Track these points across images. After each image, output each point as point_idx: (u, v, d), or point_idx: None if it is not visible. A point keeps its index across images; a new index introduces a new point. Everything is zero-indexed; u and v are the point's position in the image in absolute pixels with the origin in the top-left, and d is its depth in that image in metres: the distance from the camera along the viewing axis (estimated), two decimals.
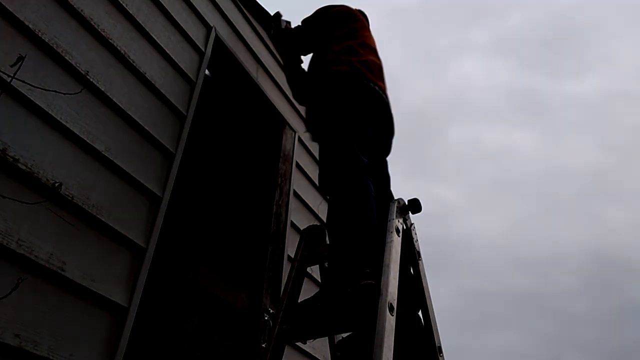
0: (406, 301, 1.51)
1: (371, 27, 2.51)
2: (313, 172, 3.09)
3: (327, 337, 1.81)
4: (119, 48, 1.72)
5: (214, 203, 2.80)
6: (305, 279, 1.76)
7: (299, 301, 1.59)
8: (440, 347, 1.52)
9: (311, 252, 1.71)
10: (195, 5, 2.24)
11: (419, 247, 1.69)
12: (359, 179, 1.64)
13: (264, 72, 2.82)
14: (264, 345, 2.09)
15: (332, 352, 1.75)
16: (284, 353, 1.46)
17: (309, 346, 2.43)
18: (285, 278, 2.17)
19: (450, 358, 1.55)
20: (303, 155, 3.08)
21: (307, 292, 1.73)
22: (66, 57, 1.50)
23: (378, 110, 1.97)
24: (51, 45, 1.46)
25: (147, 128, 1.76)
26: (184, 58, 2.09)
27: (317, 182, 3.03)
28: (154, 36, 1.92)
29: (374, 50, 2.24)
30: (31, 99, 1.35)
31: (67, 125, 1.45)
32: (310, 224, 2.05)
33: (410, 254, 1.65)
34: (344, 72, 1.96)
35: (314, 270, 2.39)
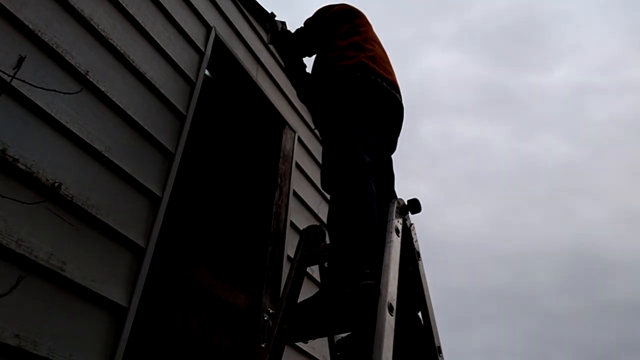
0: (406, 301, 1.51)
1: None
2: (313, 172, 3.09)
3: (326, 337, 1.81)
4: (118, 48, 1.72)
5: (213, 203, 2.80)
6: (305, 279, 1.76)
7: (299, 301, 1.59)
8: (439, 347, 1.52)
9: (311, 252, 1.71)
10: (195, 5, 2.24)
11: (418, 248, 1.69)
12: (360, 178, 1.64)
13: (264, 72, 2.82)
14: (263, 345, 2.09)
15: (331, 352, 1.75)
16: (284, 353, 1.46)
17: (308, 346, 2.43)
18: (285, 278, 2.18)
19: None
20: (303, 155, 3.08)
21: (306, 292, 1.73)
22: (66, 57, 1.50)
23: (385, 106, 1.95)
24: (51, 45, 1.46)
25: (146, 128, 1.76)
26: (184, 58, 2.09)
27: (317, 182, 3.05)
28: (153, 36, 1.92)
29: (379, 45, 2.23)
30: (31, 98, 1.35)
31: (67, 125, 1.45)
32: (310, 224, 2.05)
33: (410, 254, 1.65)
34: (349, 67, 1.93)
35: (314, 270, 2.39)
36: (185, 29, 2.12)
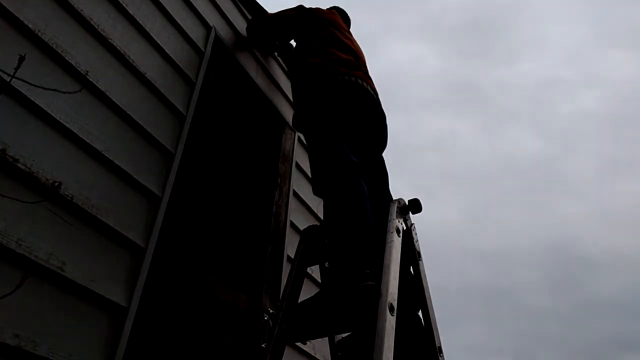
0: (406, 301, 1.51)
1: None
2: None
3: (327, 337, 1.81)
4: (118, 48, 1.72)
5: (213, 203, 2.79)
6: (305, 279, 1.76)
7: (299, 301, 1.58)
8: (440, 347, 1.52)
9: (311, 252, 1.71)
10: (195, 5, 2.24)
11: (419, 248, 1.69)
12: (351, 180, 1.64)
13: (264, 72, 2.82)
14: (263, 346, 2.09)
15: (332, 352, 1.75)
16: (284, 353, 1.46)
17: (309, 346, 2.43)
18: (285, 278, 2.17)
19: None
20: (303, 155, 3.07)
21: (307, 292, 1.73)
22: (66, 57, 1.50)
23: (360, 102, 1.97)
24: (51, 45, 1.46)
25: (146, 128, 1.76)
26: (184, 58, 2.09)
27: None
28: (153, 36, 1.91)
29: (346, 46, 2.26)
30: (31, 98, 1.35)
31: (67, 124, 1.44)
32: (310, 224, 2.05)
33: (411, 254, 1.65)
34: (317, 76, 1.98)
35: (314, 271, 2.39)
36: (185, 29, 2.12)
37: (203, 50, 2.23)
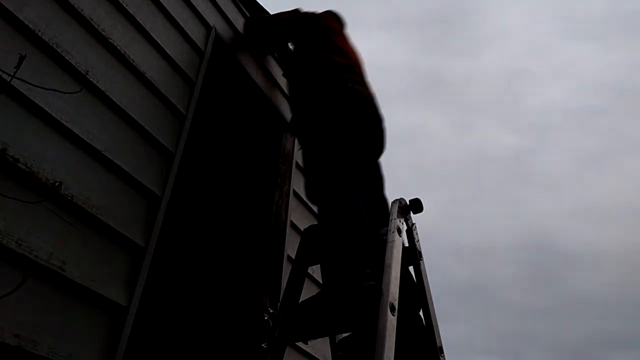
0: (407, 301, 1.51)
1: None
2: None
3: (328, 337, 1.81)
4: (119, 48, 1.72)
5: (213, 203, 2.79)
6: (306, 279, 1.75)
7: (300, 301, 1.58)
8: (441, 347, 1.51)
9: (312, 252, 1.70)
10: (195, 5, 2.23)
11: (420, 247, 1.69)
12: (343, 184, 1.66)
13: (264, 71, 2.81)
14: (264, 346, 2.09)
15: (333, 352, 1.74)
16: (285, 353, 1.46)
17: (309, 346, 2.43)
18: (286, 278, 2.17)
19: None
20: None
21: (308, 292, 1.72)
22: (66, 57, 1.49)
23: (356, 108, 1.97)
24: (51, 44, 1.45)
25: (146, 128, 1.76)
26: (184, 58, 2.08)
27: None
28: (154, 36, 1.91)
29: (346, 52, 2.27)
30: (31, 98, 1.34)
31: (67, 124, 1.44)
32: (311, 224, 2.04)
33: (412, 254, 1.65)
34: (314, 81, 1.98)
35: (315, 271, 2.38)
36: (185, 29, 2.12)
37: (203, 50, 2.23)
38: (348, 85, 1.97)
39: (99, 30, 1.65)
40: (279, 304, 1.72)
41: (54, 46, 1.46)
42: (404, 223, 1.59)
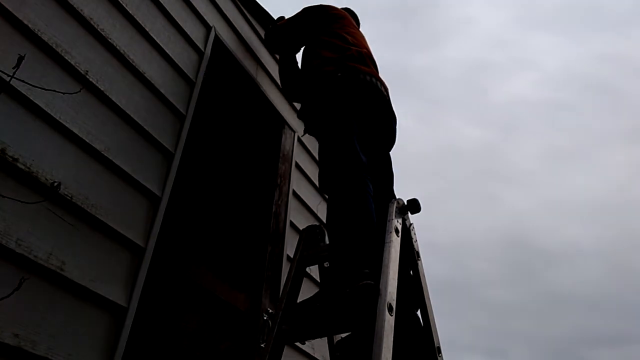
0: (405, 301, 1.51)
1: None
2: (312, 172, 3.09)
3: (326, 337, 1.81)
4: (118, 48, 1.72)
5: (213, 203, 2.80)
6: (305, 279, 1.76)
7: (298, 301, 1.59)
8: (439, 348, 1.52)
9: (310, 252, 1.71)
10: (195, 5, 2.24)
11: (418, 247, 1.69)
12: (358, 179, 1.64)
13: (264, 71, 2.82)
14: (263, 345, 2.09)
15: (331, 352, 1.75)
16: (283, 353, 1.46)
17: (308, 346, 2.43)
18: (285, 278, 2.17)
19: None
20: (302, 155, 3.08)
21: (306, 292, 1.73)
22: (65, 57, 1.50)
23: (373, 100, 1.97)
24: (50, 44, 1.46)
25: (146, 128, 1.76)
26: (184, 58, 2.09)
27: (316, 182, 3.04)
28: (153, 36, 1.91)
29: (360, 41, 2.26)
30: (30, 98, 1.35)
31: (67, 124, 1.44)
32: (310, 224, 2.05)
33: (410, 254, 1.65)
34: (331, 71, 1.97)
35: (313, 270, 2.39)
36: (185, 29, 2.12)
37: (203, 50, 2.23)
38: (367, 79, 1.97)
39: (99, 30, 1.65)
40: (277, 304, 1.72)
41: (54, 46, 1.47)
42: (402, 223, 1.59)
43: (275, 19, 2.90)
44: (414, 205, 1.65)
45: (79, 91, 1.50)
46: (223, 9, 2.49)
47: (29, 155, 1.32)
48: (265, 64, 2.83)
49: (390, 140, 2.07)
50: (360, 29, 2.67)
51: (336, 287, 1.43)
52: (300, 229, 2.36)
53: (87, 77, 1.56)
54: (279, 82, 2.94)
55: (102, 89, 1.61)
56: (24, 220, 1.26)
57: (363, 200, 1.60)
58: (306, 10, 2.54)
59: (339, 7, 2.79)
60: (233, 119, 2.98)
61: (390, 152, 2.10)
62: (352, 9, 2.88)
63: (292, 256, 1.94)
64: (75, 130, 1.47)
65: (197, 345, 2.04)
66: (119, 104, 1.66)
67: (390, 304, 1.24)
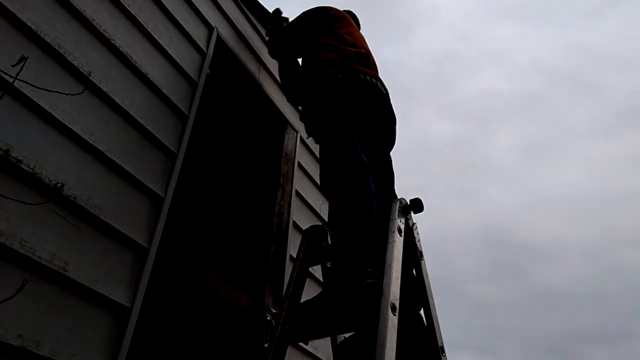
0: (408, 301, 1.51)
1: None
2: (315, 172, 3.09)
3: (329, 337, 1.81)
4: (121, 49, 1.72)
5: (216, 203, 2.80)
6: (308, 279, 1.76)
7: (302, 301, 1.59)
8: (442, 347, 1.52)
9: (313, 252, 1.71)
10: (197, 6, 2.24)
11: (421, 247, 1.69)
12: (359, 179, 1.64)
13: (266, 72, 2.82)
14: (266, 345, 2.09)
15: (334, 352, 1.75)
16: (287, 353, 1.46)
17: (311, 346, 2.43)
18: (288, 278, 2.17)
19: None
20: (305, 155, 3.08)
21: (309, 292, 1.73)
22: (68, 58, 1.50)
23: (374, 101, 1.97)
24: (53, 46, 1.46)
25: (149, 128, 1.76)
26: (186, 58, 2.09)
27: (319, 182, 3.04)
28: (155, 37, 1.92)
29: (359, 43, 2.26)
30: (34, 99, 1.35)
31: (70, 126, 1.45)
32: (313, 223, 2.05)
33: (413, 254, 1.65)
34: (332, 72, 1.98)
35: (316, 270, 2.39)
36: (187, 30, 2.13)
37: (205, 50, 2.23)
38: (367, 79, 1.97)
39: (101, 31, 1.66)
40: (280, 304, 1.73)
41: (56, 47, 1.47)
42: (405, 223, 1.59)
43: (271, 12, 2.88)
44: (416, 205, 1.65)
45: (82, 92, 1.50)
46: (225, 9, 2.49)
47: (33, 156, 1.32)
48: (267, 64, 2.83)
49: (391, 140, 2.07)
50: (361, 30, 2.67)
51: (339, 287, 1.43)
52: (303, 229, 2.36)
53: (90, 78, 1.57)
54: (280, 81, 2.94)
55: (105, 90, 1.61)
56: (27, 221, 1.26)
57: (365, 200, 1.59)
58: (305, 14, 2.54)
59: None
60: (235, 119, 2.99)
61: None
62: (352, 10, 2.88)
63: (295, 256, 1.94)
64: (79, 131, 1.47)
65: (200, 345, 2.04)
66: (121, 105, 1.67)
67: (393, 303, 1.24)
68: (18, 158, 1.28)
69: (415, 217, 1.69)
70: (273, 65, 2.90)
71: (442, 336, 1.54)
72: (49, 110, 1.39)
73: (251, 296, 2.32)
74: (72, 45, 1.53)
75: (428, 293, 1.60)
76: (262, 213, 2.62)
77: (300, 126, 3.05)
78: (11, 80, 1.23)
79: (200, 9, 2.25)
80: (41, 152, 1.35)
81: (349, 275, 1.40)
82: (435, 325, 1.54)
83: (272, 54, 2.74)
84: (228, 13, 2.52)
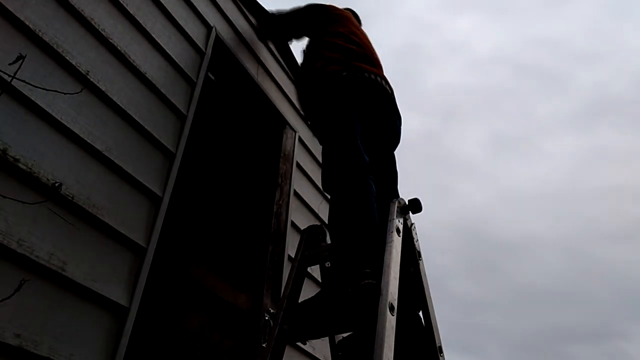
0: (406, 301, 1.51)
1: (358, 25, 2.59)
2: (313, 171, 3.09)
3: (327, 337, 1.81)
4: (119, 48, 1.72)
5: (214, 203, 2.80)
6: (306, 279, 1.76)
7: (300, 301, 1.59)
8: (440, 347, 1.52)
9: (311, 252, 1.71)
10: (196, 5, 2.24)
11: (419, 247, 1.69)
12: (360, 179, 1.64)
13: (265, 71, 2.82)
14: (264, 345, 2.09)
15: (332, 352, 1.75)
16: (285, 353, 1.46)
17: (309, 346, 2.43)
18: (286, 278, 2.18)
19: None
20: (303, 155, 3.08)
21: (307, 292, 1.73)
22: (67, 57, 1.50)
23: (378, 99, 1.97)
24: (52, 45, 1.46)
25: (147, 128, 1.76)
26: (185, 58, 2.09)
27: (317, 182, 3.05)
28: (154, 36, 1.92)
29: (363, 42, 2.25)
30: (32, 99, 1.35)
31: (68, 125, 1.45)
32: (311, 223, 2.05)
33: (411, 254, 1.65)
34: (337, 70, 1.97)
35: (315, 270, 2.39)
36: (185, 29, 2.12)
37: (204, 50, 2.23)
38: (372, 77, 1.96)
39: (100, 30, 1.65)
40: (279, 304, 1.73)
41: (55, 46, 1.47)
42: (403, 223, 1.59)
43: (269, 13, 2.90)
44: (415, 205, 1.64)
45: (80, 91, 1.50)
46: (224, 8, 2.49)
47: (31, 155, 1.32)
48: (266, 64, 2.83)
49: (395, 139, 2.07)
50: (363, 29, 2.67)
51: (337, 287, 1.43)
52: (302, 228, 2.36)
53: (88, 77, 1.56)
54: (281, 83, 2.94)
55: (103, 89, 1.61)
56: (25, 221, 1.26)
57: (365, 200, 1.59)
58: (310, 7, 2.54)
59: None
60: (234, 118, 2.98)
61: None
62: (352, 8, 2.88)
63: (293, 256, 1.94)
64: (77, 131, 1.47)
65: (198, 344, 2.04)
66: (120, 104, 1.66)
67: (391, 303, 1.24)
68: (16, 157, 1.28)
69: (413, 217, 1.69)
70: (272, 65, 2.90)
71: (441, 336, 1.54)
72: (47, 109, 1.39)
73: (249, 296, 2.32)
74: (70, 44, 1.53)
75: (426, 293, 1.60)
76: (260, 213, 2.62)
77: (298, 126, 3.05)
78: (9, 79, 1.23)
79: (198, 8, 2.25)
80: (39, 151, 1.35)
81: (348, 275, 1.40)
82: (433, 325, 1.54)
83: (264, 32, 2.75)
84: (227, 12, 2.52)
